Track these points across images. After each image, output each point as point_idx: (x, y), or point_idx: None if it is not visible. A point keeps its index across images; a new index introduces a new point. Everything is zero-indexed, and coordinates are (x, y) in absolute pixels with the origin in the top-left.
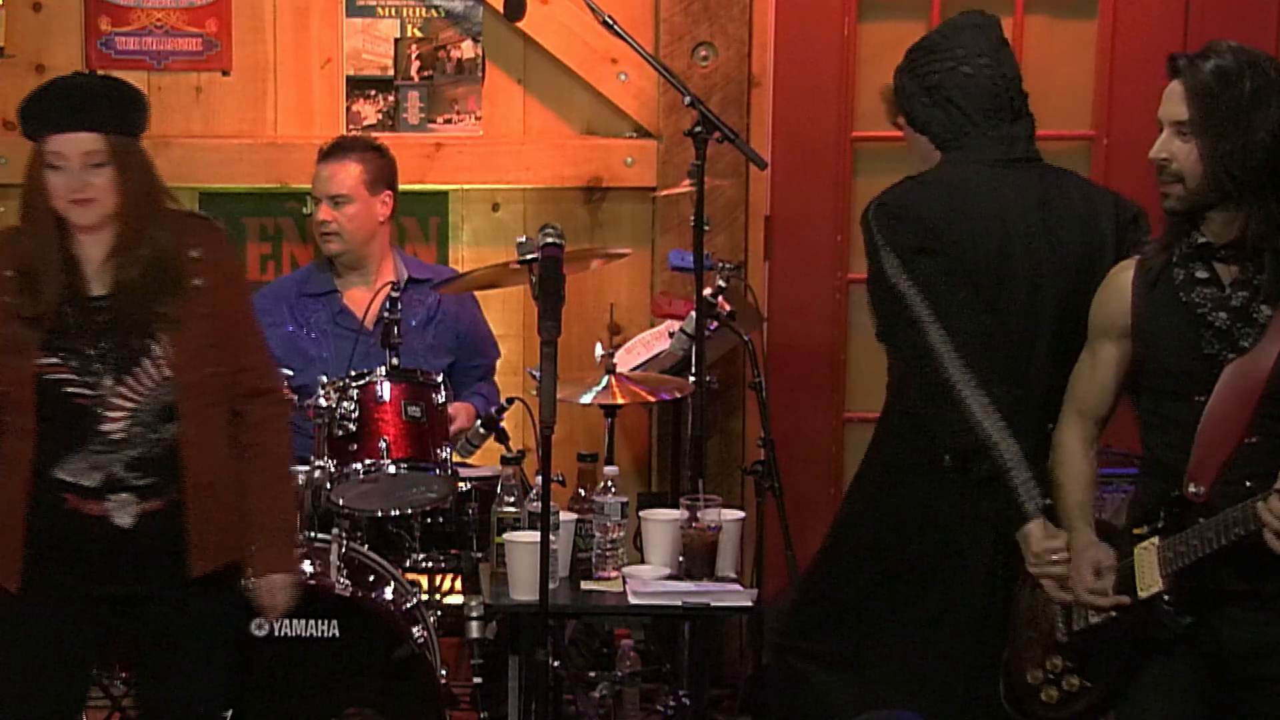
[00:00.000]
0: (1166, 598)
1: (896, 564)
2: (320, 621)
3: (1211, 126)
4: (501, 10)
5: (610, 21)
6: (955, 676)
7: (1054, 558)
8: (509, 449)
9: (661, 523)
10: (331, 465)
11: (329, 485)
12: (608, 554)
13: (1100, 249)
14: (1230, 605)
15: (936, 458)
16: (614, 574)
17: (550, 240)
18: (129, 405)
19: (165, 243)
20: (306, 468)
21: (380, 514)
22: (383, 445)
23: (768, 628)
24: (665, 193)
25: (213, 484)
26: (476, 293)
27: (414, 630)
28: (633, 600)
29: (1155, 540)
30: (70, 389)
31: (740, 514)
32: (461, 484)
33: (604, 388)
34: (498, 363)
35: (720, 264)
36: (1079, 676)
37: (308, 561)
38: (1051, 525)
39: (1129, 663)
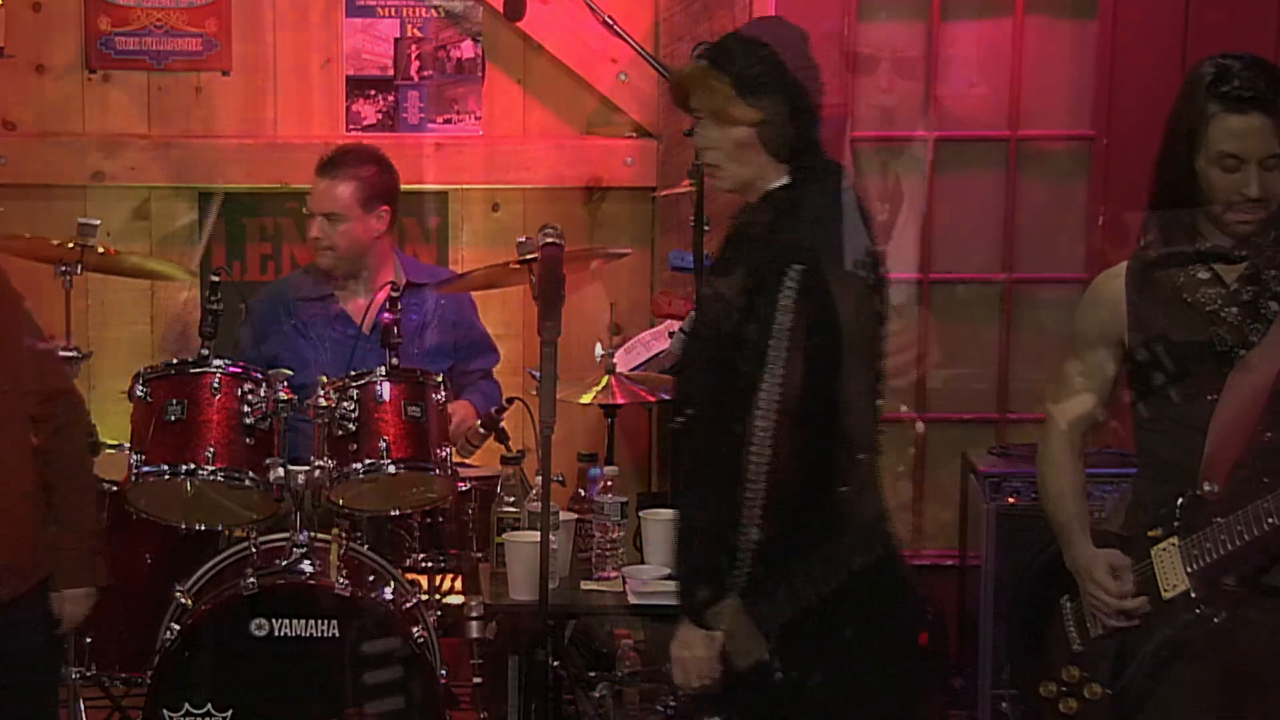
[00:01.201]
0: (1194, 595)
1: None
2: (320, 621)
3: None
4: (501, 10)
5: (610, 21)
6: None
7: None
8: (509, 449)
9: (661, 523)
10: (331, 465)
11: (329, 485)
12: (608, 554)
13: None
14: (1248, 606)
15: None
16: (614, 574)
17: (550, 240)
18: None
19: None
20: (307, 468)
21: (380, 514)
22: (382, 445)
23: None
24: (665, 193)
25: (13, 507)
26: (477, 293)
27: (414, 630)
28: (633, 600)
29: (1174, 540)
30: None
31: None
32: (461, 484)
33: (604, 388)
34: (496, 364)
35: None
36: (1100, 685)
37: (307, 561)
38: (705, 631)
39: (1153, 667)
